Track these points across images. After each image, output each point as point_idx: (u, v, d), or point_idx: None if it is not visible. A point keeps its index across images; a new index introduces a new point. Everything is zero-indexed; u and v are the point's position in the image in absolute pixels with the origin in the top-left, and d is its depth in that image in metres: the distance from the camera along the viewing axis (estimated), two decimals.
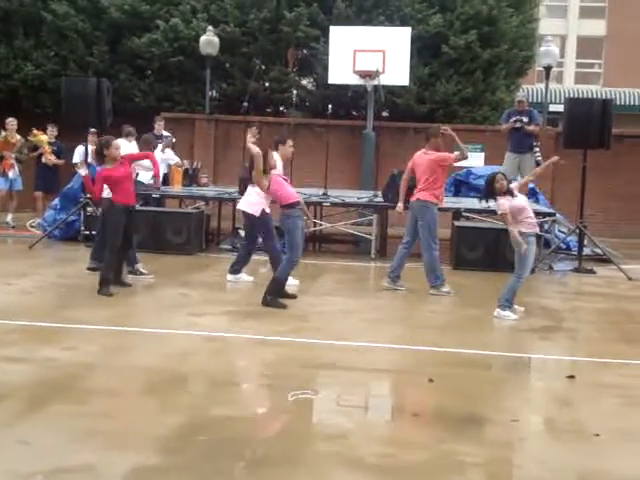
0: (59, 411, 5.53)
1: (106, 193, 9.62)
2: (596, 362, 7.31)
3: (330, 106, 15.87)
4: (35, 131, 15.76)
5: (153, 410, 5.45)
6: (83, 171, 12.51)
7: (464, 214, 13.73)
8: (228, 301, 9.42)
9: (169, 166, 15.09)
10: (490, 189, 8.82)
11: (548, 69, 20.52)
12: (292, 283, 9.77)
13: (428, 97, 20.64)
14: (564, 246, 14.00)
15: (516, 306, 8.90)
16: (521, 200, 8.82)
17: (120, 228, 9.43)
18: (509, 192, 8.76)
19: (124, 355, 6.90)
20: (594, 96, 29.10)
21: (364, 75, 17.78)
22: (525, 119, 14.11)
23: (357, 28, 18.35)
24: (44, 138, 15.64)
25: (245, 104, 17.09)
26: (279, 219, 9.14)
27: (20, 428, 5.03)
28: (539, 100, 27.64)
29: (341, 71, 17.82)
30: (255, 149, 8.99)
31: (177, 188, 14.98)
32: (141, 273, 10.29)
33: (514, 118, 13.88)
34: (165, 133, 16.13)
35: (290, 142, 10.04)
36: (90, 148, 15.13)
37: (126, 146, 15.10)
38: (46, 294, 9.55)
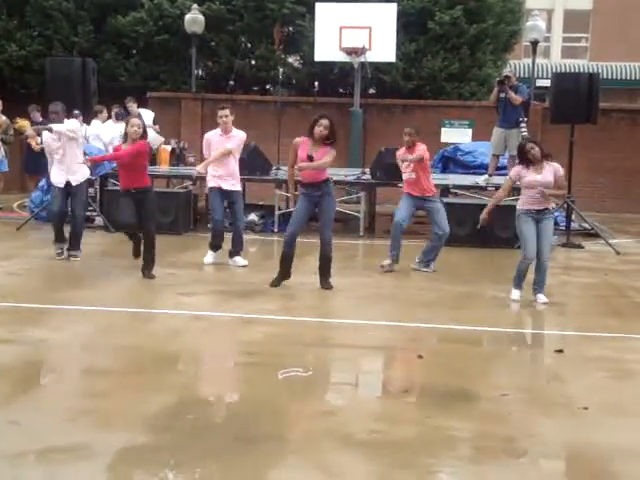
0: (49, 391, 5.54)
1: None
2: (584, 336, 7.35)
3: (317, 84, 15.83)
4: (18, 119, 15.72)
5: (143, 389, 5.45)
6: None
7: (452, 190, 13.73)
8: (217, 281, 9.41)
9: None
10: (523, 158, 8.56)
11: (535, 44, 20.49)
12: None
13: (415, 73, 20.58)
14: None
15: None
16: (546, 176, 8.38)
17: (124, 209, 9.41)
18: (546, 157, 8.50)
19: (113, 335, 6.89)
20: (581, 70, 29.07)
21: (350, 52, 17.72)
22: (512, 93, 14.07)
23: (343, 5, 18.25)
24: (26, 123, 15.56)
25: (231, 82, 17.01)
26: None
27: (11, 408, 5.03)
28: (526, 75, 27.59)
29: (327, 48, 17.75)
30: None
31: (164, 168, 14.92)
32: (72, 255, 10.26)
33: (497, 88, 13.83)
34: (143, 110, 16.01)
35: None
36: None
37: (114, 127, 15.07)
38: (34, 275, 9.52)
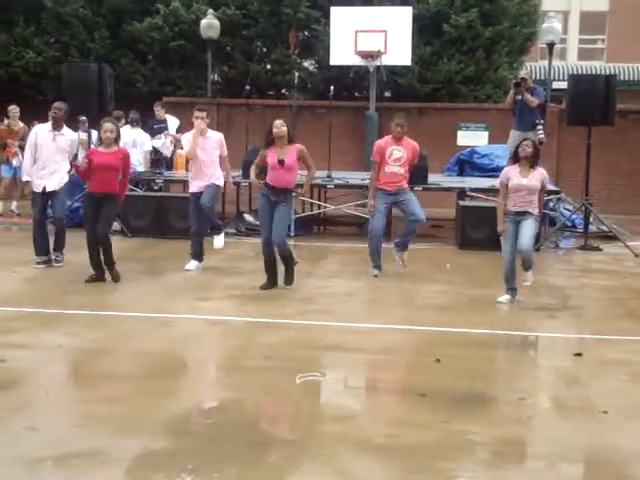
0: (66, 397, 5.55)
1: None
2: (603, 339, 7.30)
3: (332, 87, 15.81)
4: (36, 123, 15.76)
5: (160, 394, 5.46)
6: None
7: (468, 194, 13.69)
8: (233, 285, 9.41)
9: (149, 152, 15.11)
10: (515, 153, 8.65)
11: (551, 46, 20.37)
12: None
13: (430, 76, 20.55)
14: (569, 224, 13.96)
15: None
16: (532, 181, 8.39)
17: (87, 217, 9.27)
18: (531, 161, 8.47)
19: (130, 340, 6.90)
20: (598, 72, 28.95)
21: (366, 56, 17.71)
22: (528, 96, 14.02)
23: (358, 9, 18.26)
24: None
25: (247, 87, 17.03)
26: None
27: (28, 414, 5.04)
28: (542, 77, 27.49)
29: (343, 52, 17.74)
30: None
31: (180, 173, 14.94)
32: (56, 261, 10.19)
33: (513, 90, 13.77)
34: (169, 117, 16.04)
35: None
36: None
37: (128, 132, 15.13)
38: (51, 281, 9.55)
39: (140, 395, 5.48)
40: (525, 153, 8.46)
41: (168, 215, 12.81)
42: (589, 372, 6.32)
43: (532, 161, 8.50)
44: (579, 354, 6.63)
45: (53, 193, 10.14)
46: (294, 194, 9.40)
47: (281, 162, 8.77)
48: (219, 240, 10.33)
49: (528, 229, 8.45)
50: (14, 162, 15.45)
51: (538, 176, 8.49)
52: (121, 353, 6.54)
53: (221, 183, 10.27)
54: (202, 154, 10.10)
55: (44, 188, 10.07)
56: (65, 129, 10.32)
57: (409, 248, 10.16)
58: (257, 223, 13.54)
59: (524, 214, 8.44)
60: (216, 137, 10.33)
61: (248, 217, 13.79)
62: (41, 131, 10.31)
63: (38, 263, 10.07)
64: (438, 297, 8.93)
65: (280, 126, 8.82)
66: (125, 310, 7.94)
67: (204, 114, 10.20)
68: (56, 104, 10.37)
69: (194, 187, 10.20)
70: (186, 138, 10.43)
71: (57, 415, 5.05)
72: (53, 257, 10.21)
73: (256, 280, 9.25)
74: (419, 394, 5.61)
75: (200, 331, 7.33)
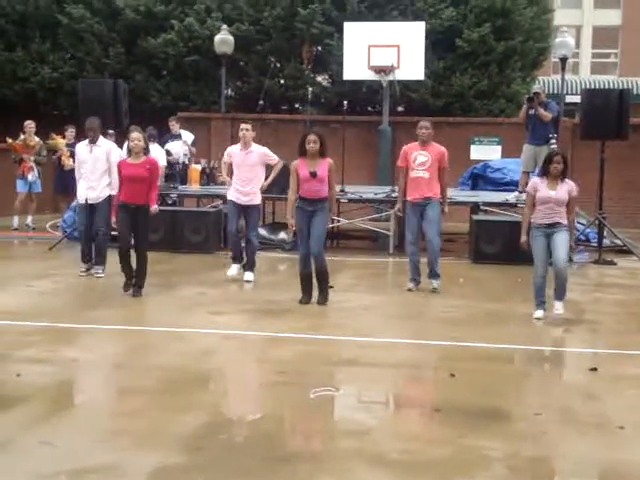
0: (82, 411, 5.56)
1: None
2: (618, 354, 7.26)
3: (345, 102, 15.86)
4: (54, 135, 15.84)
5: (174, 409, 5.46)
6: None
7: (482, 208, 13.68)
8: (247, 299, 9.43)
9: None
10: (545, 167, 8.57)
11: (564, 60, 20.41)
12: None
13: (443, 91, 20.61)
14: (583, 238, 13.92)
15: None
16: (560, 193, 8.33)
17: (121, 223, 9.34)
18: (561, 177, 8.40)
19: (144, 355, 6.92)
20: (611, 86, 28.94)
21: (379, 70, 17.77)
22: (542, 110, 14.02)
23: (371, 24, 18.34)
24: (61, 141, 15.71)
25: (261, 102, 17.12)
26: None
27: (43, 429, 5.05)
28: (555, 91, 27.49)
29: (356, 67, 17.82)
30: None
31: (195, 187, 15.00)
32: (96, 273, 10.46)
33: (526, 105, 13.78)
34: (184, 132, 16.12)
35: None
36: None
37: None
38: (66, 295, 9.59)
39: (156, 409, 5.48)
40: (556, 172, 8.37)
41: (182, 229, 12.87)
42: (605, 387, 6.29)
43: (562, 174, 8.44)
44: (594, 369, 6.59)
45: (95, 206, 10.47)
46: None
47: (313, 174, 8.87)
48: (249, 275, 10.39)
49: (564, 244, 8.37)
50: (29, 177, 15.54)
51: (566, 188, 8.41)
52: (136, 367, 6.55)
53: (259, 201, 10.48)
54: (243, 170, 10.20)
55: (86, 200, 10.46)
56: (101, 140, 10.68)
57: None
58: (271, 237, 13.63)
59: (555, 225, 8.36)
60: (260, 151, 10.40)
61: (262, 231, 13.82)
62: (79, 147, 10.80)
63: (82, 272, 10.39)
64: (452, 311, 8.92)
65: (313, 144, 8.85)
66: (140, 324, 7.96)
67: (249, 126, 10.29)
68: (88, 125, 10.65)
69: (233, 196, 10.33)
70: (227, 153, 10.52)
71: (72, 430, 5.06)
72: (93, 271, 10.49)
73: (270, 294, 9.26)
74: (434, 409, 5.60)
75: (215, 345, 7.34)
